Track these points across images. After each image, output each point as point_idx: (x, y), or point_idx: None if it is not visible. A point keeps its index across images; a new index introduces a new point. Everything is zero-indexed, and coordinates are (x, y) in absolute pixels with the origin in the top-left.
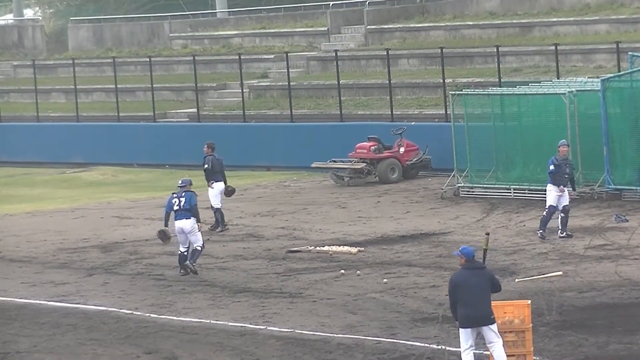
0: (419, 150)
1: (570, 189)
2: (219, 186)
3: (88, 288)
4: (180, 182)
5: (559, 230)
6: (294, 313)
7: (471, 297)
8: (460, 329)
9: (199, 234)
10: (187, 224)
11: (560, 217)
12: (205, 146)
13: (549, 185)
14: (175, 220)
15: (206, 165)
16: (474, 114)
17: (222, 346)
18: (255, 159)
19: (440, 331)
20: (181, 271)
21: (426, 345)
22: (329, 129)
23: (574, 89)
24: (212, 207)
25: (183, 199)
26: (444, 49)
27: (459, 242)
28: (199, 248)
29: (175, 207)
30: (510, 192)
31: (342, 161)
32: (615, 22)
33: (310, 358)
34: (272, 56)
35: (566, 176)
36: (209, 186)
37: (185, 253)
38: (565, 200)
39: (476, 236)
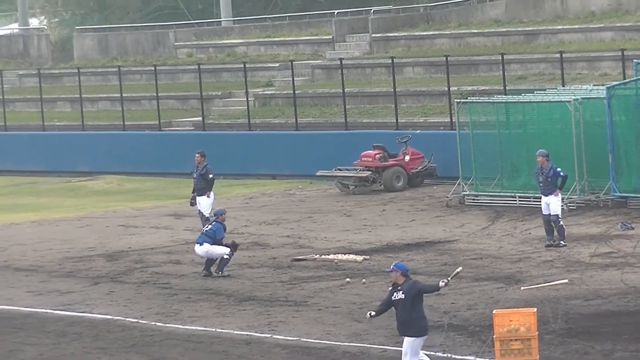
0: (424, 158)
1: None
2: (213, 195)
3: (94, 297)
4: (214, 212)
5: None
6: (300, 321)
7: (397, 308)
8: None
9: (219, 249)
10: (201, 250)
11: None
12: (199, 155)
13: None
14: (196, 242)
15: (211, 175)
16: (479, 121)
17: (227, 355)
18: (260, 167)
19: (445, 339)
20: (203, 271)
21: (432, 353)
22: (334, 137)
23: (579, 97)
24: (203, 215)
25: (210, 226)
26: (448, 57)
27: (465, 250)
28: (227, 257)
29: (202, 230)
30: (515, 200)
31: (348, 169)
32: (620, 30)
33: None
34: (277, 64)
35: (540, 184)
36: (205, 195)
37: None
38: (552, 210)
39: (481, 244)
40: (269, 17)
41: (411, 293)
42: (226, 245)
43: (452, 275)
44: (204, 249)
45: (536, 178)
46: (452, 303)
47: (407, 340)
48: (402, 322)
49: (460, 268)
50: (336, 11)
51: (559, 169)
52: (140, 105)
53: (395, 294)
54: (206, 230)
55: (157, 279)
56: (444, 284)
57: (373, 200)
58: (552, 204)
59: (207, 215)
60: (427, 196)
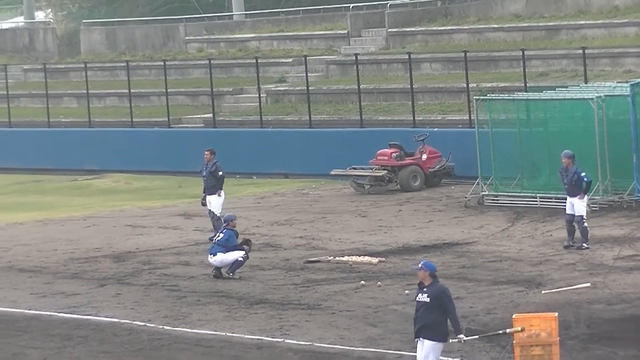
0: (441, 157)
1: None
2: (224, 194)
3: (100, 299)
4: (223, 219)
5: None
6: (313, 325)
7: (418, 310)
8: None
9: (233, 254)
10: (215, 260)
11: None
12: (208, 152)
13: None
14: (209, 253)
15: (220, 173)
16: (499, 119)
17: (238, 359)
18: (272, 165)
19: (463, 344)
20: (214, 271)
21: (449, 359)
22: (349, 135)
23: (602, 94)
24: (214, 215)
25: (222, 234)
26: (467, 53)
27: (484, 253)
28: (241, 259)
29: (214, 240)
30: (536, 201)
31: (363, 168)
32: None
33: None
34: (290, 60)
35: (565, 186)
36: (216, 194)
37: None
38: (577, 210)
39: (501, 246)
40: (282, 11)
41: (436, 299)
42: (240, 247)
43: (508, 330)
44: (219, 259)
45: (561, 178)
46: (471, 307)
47: (428, 344)
48: (424, 325)
49: (520, 329)
50: (351, 5)
51: (583, 174)
52: (149, 102)
53: (420, 295)
54: (218, 240)
55: (165, 280)
56: (461, 340)
57: (389, 201)
58: (577, 204)
59: (218, 214)
60: (444, 196)
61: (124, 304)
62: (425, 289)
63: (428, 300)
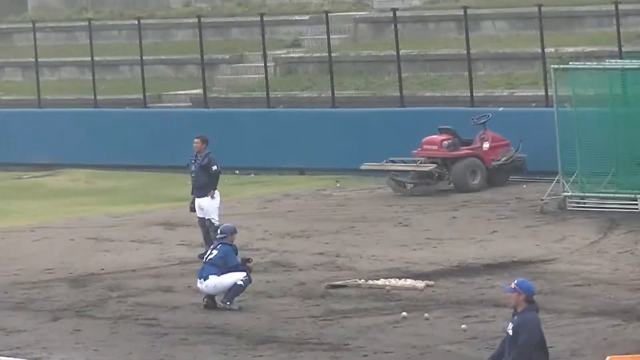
0: (509, 146)
1: None
2: (219, 196)
3: (53, 337)
4: (219, 230)
5: None
6: None
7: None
8: None
9: (230, 277)
10: (206, 286)
11: None
12: (199, 140)
13: None
14: (199, 276)
15: (215, 167)
16: (586, 96)
17: None
18: (283, 158)
19: None
20: (205, 299)
21: None
22: (385, 116)
23: None
24: (211, 224)
25: (216, 252)
26: (542, 7)
27: (566, 274)
28: (241, 283)
29: (206, 258)
30: (636, 204)
31: (404, 161)
32: None
33: None
34: (307, 17)
35: None
36: (208, 196)
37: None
38: None
39: (590, 265)
40: None
41: (518, 332)
42: (240, 268)
43: None
44: (212, 284)
45: None
46: (551, 347)
47: None
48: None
49: None
50: None
51: None
52: (118, 73)
53: (509, 323)
54: (211, 259)
55: (140, 312)
56: None
57: (439, 204)
58: None
59: (216, 222)
60: (513, 198)
61: (84, 344)
62: (515, 317)
63: (511, 333)
